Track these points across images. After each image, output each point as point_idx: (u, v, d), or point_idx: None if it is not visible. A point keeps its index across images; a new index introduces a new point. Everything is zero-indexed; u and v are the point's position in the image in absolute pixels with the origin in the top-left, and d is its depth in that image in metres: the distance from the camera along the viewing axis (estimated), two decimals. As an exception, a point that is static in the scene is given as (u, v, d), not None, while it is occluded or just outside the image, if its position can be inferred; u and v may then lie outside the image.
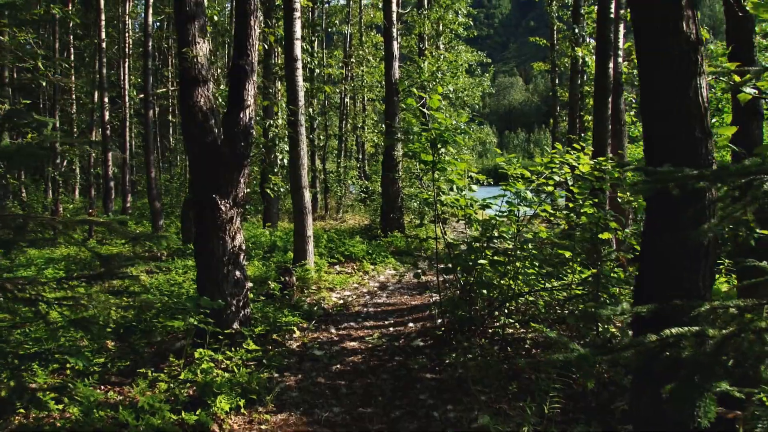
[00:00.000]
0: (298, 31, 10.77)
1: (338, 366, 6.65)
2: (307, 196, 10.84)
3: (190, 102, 6.89)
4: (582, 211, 6.79)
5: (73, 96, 26.40)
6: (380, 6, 28.66)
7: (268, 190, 16.00)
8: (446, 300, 8.35)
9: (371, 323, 8.84)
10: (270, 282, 8.78)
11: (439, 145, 6.87)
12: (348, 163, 26.98)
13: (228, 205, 6.81)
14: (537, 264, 7.12)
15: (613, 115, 10.19)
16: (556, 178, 7.19)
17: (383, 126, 29.48)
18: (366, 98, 32.47)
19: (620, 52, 10.38)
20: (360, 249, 13.63)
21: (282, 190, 15.77)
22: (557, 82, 24.41)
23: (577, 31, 15.41)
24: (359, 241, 14.66)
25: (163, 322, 7.34)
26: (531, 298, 7.69)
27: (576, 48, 15.17)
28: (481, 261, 7.19)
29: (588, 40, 15.84)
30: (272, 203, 16.75)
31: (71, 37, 24.29)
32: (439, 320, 8.67)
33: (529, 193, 7.08)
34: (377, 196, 21.53)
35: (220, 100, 13.64)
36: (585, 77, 16.19)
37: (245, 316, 7.12)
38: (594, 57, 15.14)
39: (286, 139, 14.99)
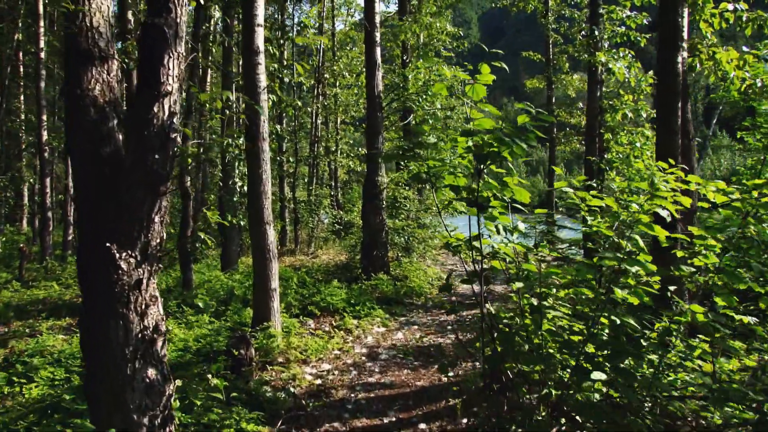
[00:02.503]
0: (260, 14, 8.10)
1: None
2: (272, 234, 8.08)
3: (79, 90, 4.14)
4: (726, 265, 4.14)
5: (21, 116, 23.57)
6: (356, 19, 26.21)
7: (232, 221, 13.20)
8: (474, 392, 5.68)
9: (364, 422, 6.07)
10: (210, 376, 5.87)
11: (488, 160, 4.15)
12: (321, 190, 24.17)
13: (133, 260, 4.03)
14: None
15: (681, 127, 7.65)
16: (662, 212, 4.53)
17: (359, 150, 26.88)
18: (339, 120, 29.84)
19: (684, 45, 7.89)
20: (339, 299, 10.84)
21: (243, 223, 12.95)
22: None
23: (597, 33, 13.00)
24: (337, 287, 11.87)
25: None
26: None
27: (597, 53, 12.73)
28: (540, 338, 4.54)
29: (605, 45, 13.46)
30: (232, 240, 13.89)
31: (19, 51, 21.39)
32: (465, 419, 5.97)
33: (625, 241, 4.41)
34: (356, 229, 18.74)
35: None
36: (603, 88, 13.80)
37: (165, 443, 4.30)
38: (618, 64, 12.77)
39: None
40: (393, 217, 15.93)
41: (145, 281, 4.11)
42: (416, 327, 10.15)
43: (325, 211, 23.50)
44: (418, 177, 5.52)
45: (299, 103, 15.75)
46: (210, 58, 14.22)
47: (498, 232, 4.74)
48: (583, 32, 22.51)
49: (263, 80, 8.06)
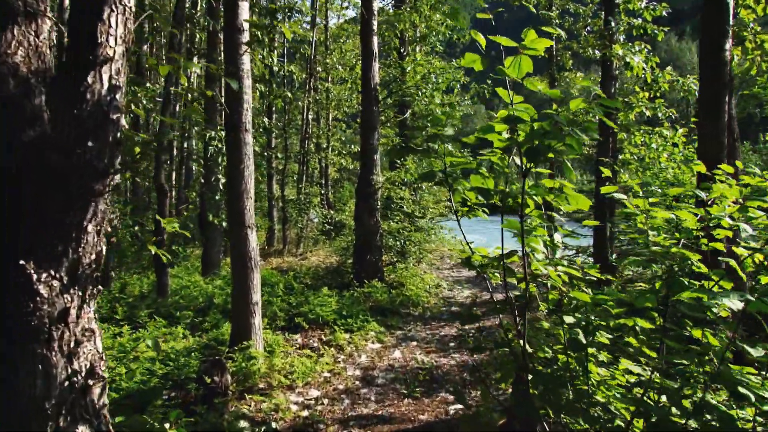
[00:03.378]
0: (244, -14, 7.05)
1: None
2: (254, 239, 7.02)
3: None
4: None
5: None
6: (351, 15, 25.09)
7: (213, 221, 12.14)
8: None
9: (359, 471, 5.06)
10: (168, 427, 4.79)
11: (539, 156, 3.10)
12: (310, 188, 23.08)
13: (57, 283, 2.98)
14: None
15: (728, 124, 6.67)
16: (745, 228, 3.53)
17: (352, 147, 25.81)
18: (331, 117, 28.74)
19: (730, 30, 6.90)
20: (329, 310, 9.78)
21: (225, 224, 11.89)
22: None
23: (613, 24, 11.99)
24: (327, 295, 10.82)
25: None
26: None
27: (614, 45, 11.73)
28: (590, 386, 3.57)
29: (620, 38, 12.47)
30: (214, 242, 12.81)
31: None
32: (481, 470, 4.95)
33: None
34: (347, 230, 17.69)
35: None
36: (618, 84, 12.82)
37: None
38: (635, 58, 11.80)
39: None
40: (387, 218, 14.89)
41: (74, 311, 3.06)
42: (415, 343, 9.12)
43: (315, 211, 22.43)
44: (429, 176, 4.50)
45: (289, 95, 14.71)
46: (194, 43, 13.14)
47: (550, 248, 3.73)
48: (588, 27, 21.59)
49: (247, 62, 7.00)
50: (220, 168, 11.67)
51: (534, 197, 3.60)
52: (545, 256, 3.88)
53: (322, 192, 25.61)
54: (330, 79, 24.59)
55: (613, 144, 12.28)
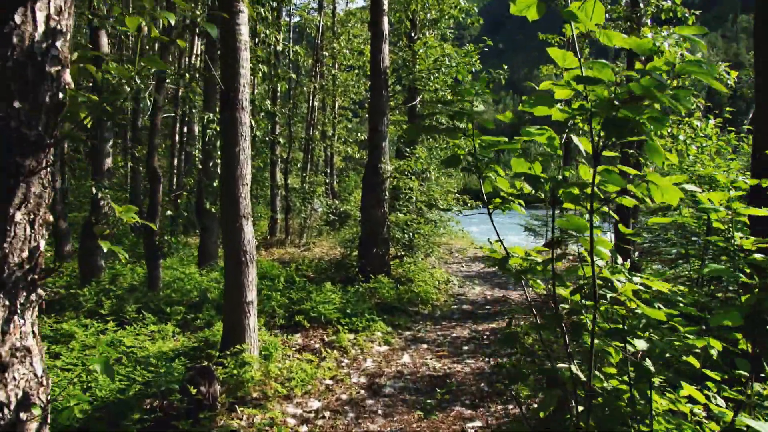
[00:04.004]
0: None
1: None
2: (249, 231, 6.28)
3: None
4: None
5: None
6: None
7: (212, 208, 11.41)
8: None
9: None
10: None
11: (623, 129, 2.33)
12: (315, 177, 22.32)
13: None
14: None
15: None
16: None
17: (358, 135, 25.03)
18: (338, 105, 27.94)
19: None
20: (333, 308, 9.04)
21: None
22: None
23: (642, 5, 11.19)
24: (331, 290, 10.08)
25: None
26: None
27: (641, 29, 10.93)
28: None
29: (648, 22, 11.67)
30: (211, 231, 12.07)
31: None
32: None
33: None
34: (352, 221, 16.95)
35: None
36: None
37: None
38: (665, 43, 10.97)
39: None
40: (395, 210, 14.14)
41: (-2, 325, 2.33)
42: (425, 346, 8.38)
43: (319, 200, 21.68)
44: (453, 161, 3.76)
45: (293, 76, 13.90)
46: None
47: (613, 253, 3.00)
48: (607, 14, 20.73)
49: (245, 32, 6.23)
50: (218, 153, 10.93)
51: (602, 187, 2.84)
52: (607, 262, 3.13)
53: (327, 181, 24.86)
54: (337, 66, 23.80)
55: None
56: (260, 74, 11.72)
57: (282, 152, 21.40)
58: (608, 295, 3.03)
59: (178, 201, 10.71)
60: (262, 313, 8.96)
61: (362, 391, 6.51)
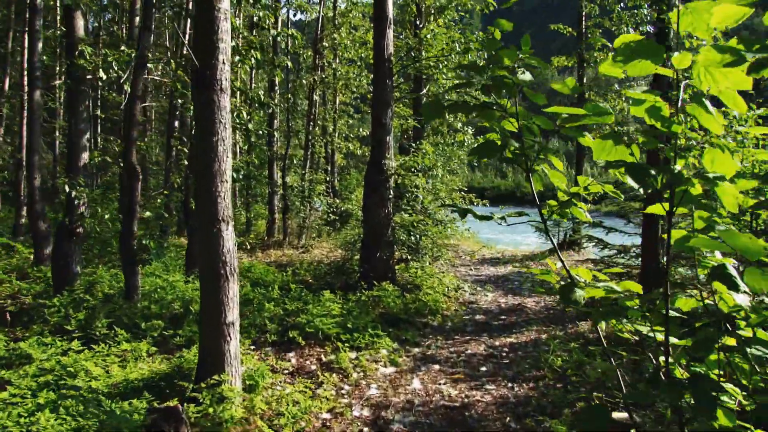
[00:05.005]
0: None
1: None
2: (230, 238, 5.21)
3: None
4: None
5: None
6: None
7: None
8: None
9: None
10: None
11: None
12: (315, 175, 21.24)
13: None
14: None
15: None
16: None
17: (360, 131, 23.97)
18: (338, 101, 26.82)
19: None
20: (332, 322, 7.97)
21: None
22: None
23: (675, -18, 10.10)
24: (330, 299, 9.02)
25: None
26: None
27: (672, 9, 9.85)
28: None
29: (677, 2, 10.60)
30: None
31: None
32: None
33: None
34: (354, 221, 15.88)
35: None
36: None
37: None
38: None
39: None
40: (399, 210, 13.07)
41: None
42: (437, 367, 7.31)
43: (318, 199, 20.60)
44: (487, 149, 2.77)
45: (289, 63, 12.80)
46: None
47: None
48: (621, 3, 19.64)
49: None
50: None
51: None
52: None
53: (328, 179, 23.79)
54: (338, 59, 22.69)
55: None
56: (253, 61, 10.65)
57: (280, 149, 20.35)
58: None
59: (158, 200, 9.64)
60: (252, 327, 7.90)
61: (365, 429, 5.44)
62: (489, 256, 18.89)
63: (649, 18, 18.12)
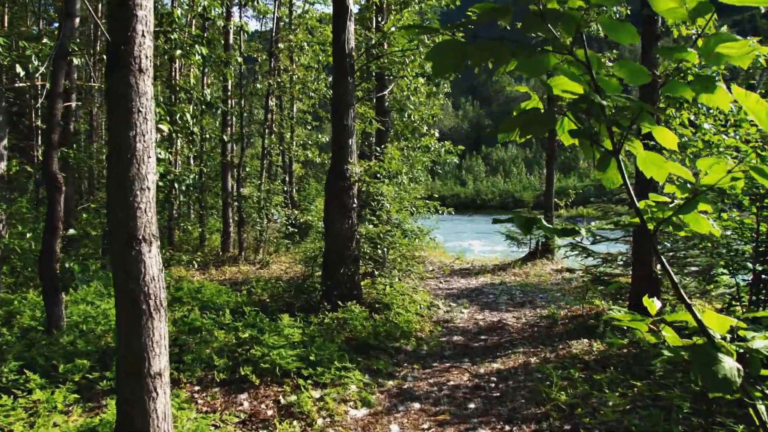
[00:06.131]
0: None
1: None
2: (153, 262, 4.00)
3: None
4: None
5: None
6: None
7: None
8: None
9: None
10: None
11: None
12: (272, 185, 19.95)
13: None
14: None
15: None
16: None
17: (319, 137, 22.81)
18: (296, 108, 25.60)
19: None
20: (291, 354, 6.76)
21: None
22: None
23: None
24: (289, 325, 7.85)
25: None
26: None
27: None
28: None
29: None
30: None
31: None
32: None
33: None
34: (314, 233, 14.68)
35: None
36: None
37: None
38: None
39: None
40: (364, 220, 11.92)
41: None
42: (418, 406, 6.18)
43: (276, 210, 19.33)
44: (534, 120, 1.64)
45: (239, 59, 11.51)
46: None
47: None
48: None
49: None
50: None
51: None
52: None
53: (286, 189, 22.53)
54: (294, 63, 21.51)
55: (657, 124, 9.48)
56: (197, 57, 9.46)
57: (234, 157, 19.03)
58: None
59: (83, 216, 8.36)
60: (198, 362, 6.66)
61: (336, 501, 4.29)
62: (458, 266, 17.89)
63: (618, 16, 17.39)
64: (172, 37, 9.07)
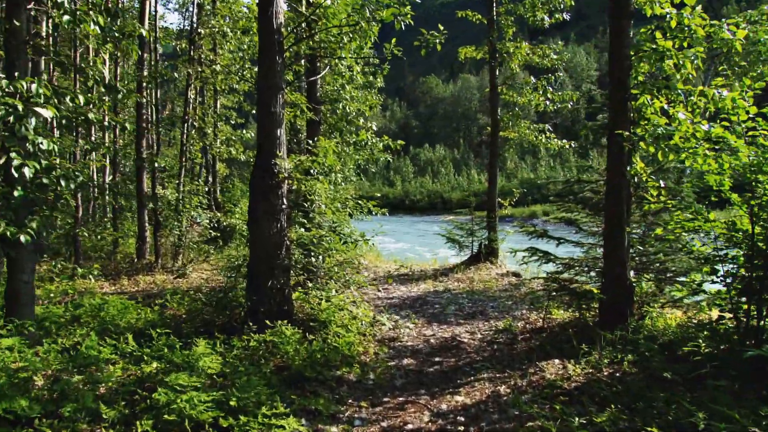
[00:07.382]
0: None
1: None
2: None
3: None
4: None
5: None
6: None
7: (13, 234, 7.41)
8: None
9: None
10: None
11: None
12: (192, 185, 18.15)
13: None
14: None
15: None
16: None
17: (244, 132, 21.13)
18: (220, 103, 23.82)
19: None
20: (205, 399, 5.23)
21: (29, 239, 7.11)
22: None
23: None
24: (205, 353, 6.30)
25: None
26: None
27: None
28: None
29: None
30: (21, 266, 7.87)
31: None
32: None
33: None
34: (239, 238, 13.05)
35: None
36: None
37: None
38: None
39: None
40: (294, 223, 10.41)
41: None
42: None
43: (197, 213, 17.55)
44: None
45: (143, 30, 9.77)
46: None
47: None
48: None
49: None
50: (27, 145, 6.92)
51: None
52: None
53: (209, 189, 20.73)
54: (217, 51, 19.74)
55: (626, 114, 8.37)
56: (93, 27, 7.82)
57: (150, 157, 17.11)
58: None
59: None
60: (82, 414, 5.06)
61: None
62: (396, 272, 16.58)
63: (563, 6, 16.51)
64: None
